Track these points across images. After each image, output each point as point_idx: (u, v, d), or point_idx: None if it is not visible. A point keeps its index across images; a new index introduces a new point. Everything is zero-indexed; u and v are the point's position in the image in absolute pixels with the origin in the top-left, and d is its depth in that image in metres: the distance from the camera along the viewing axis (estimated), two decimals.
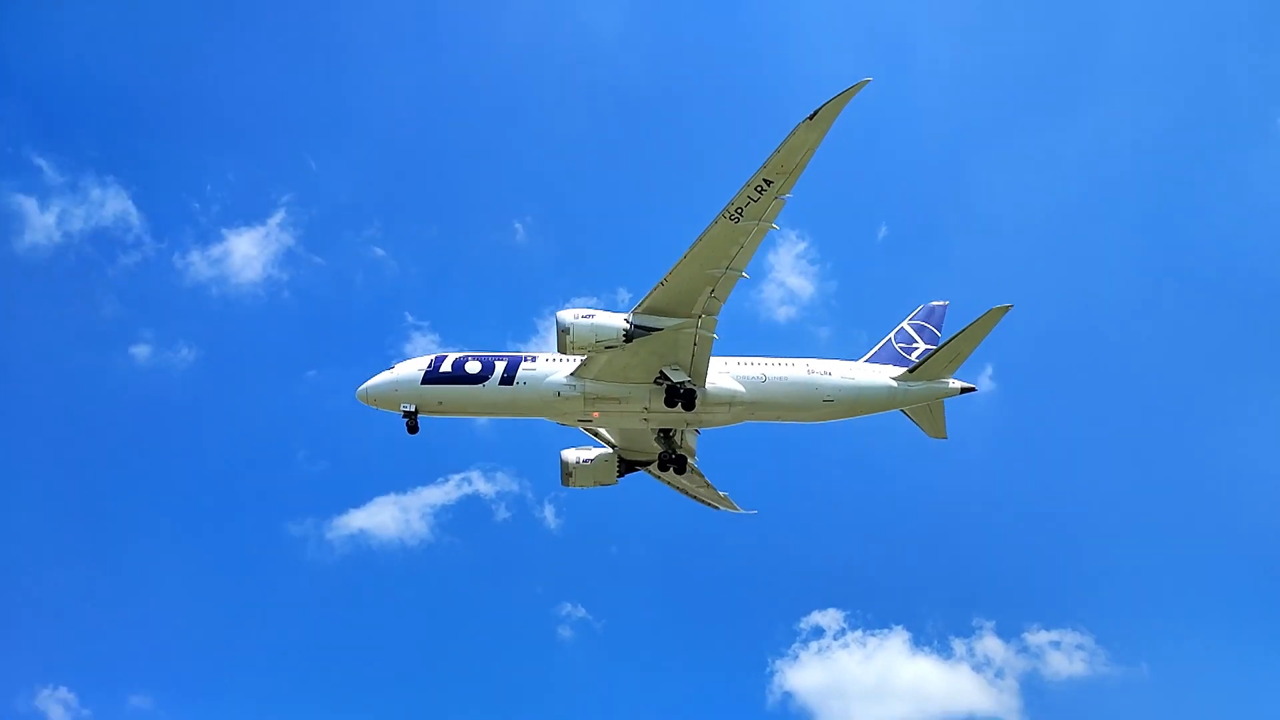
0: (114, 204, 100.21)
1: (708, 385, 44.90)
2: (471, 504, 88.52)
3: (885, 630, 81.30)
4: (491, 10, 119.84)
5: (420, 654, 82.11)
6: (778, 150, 35.81)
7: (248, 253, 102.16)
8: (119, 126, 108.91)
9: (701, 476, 52.34)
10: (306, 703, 78.24)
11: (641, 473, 51.33)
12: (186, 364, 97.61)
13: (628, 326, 41.51)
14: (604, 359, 42.74)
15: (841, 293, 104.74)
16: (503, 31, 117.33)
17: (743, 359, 47.31)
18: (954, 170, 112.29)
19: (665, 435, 49.23)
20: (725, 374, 45.90)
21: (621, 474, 50.75)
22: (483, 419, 51.42)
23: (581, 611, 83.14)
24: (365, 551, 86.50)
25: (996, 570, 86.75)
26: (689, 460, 50.73)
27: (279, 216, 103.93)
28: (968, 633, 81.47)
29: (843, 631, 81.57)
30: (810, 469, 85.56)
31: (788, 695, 78.68)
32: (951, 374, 46.64)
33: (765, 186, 36.98)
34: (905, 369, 47.19)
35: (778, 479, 78.61)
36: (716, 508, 53.50)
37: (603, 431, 50.32)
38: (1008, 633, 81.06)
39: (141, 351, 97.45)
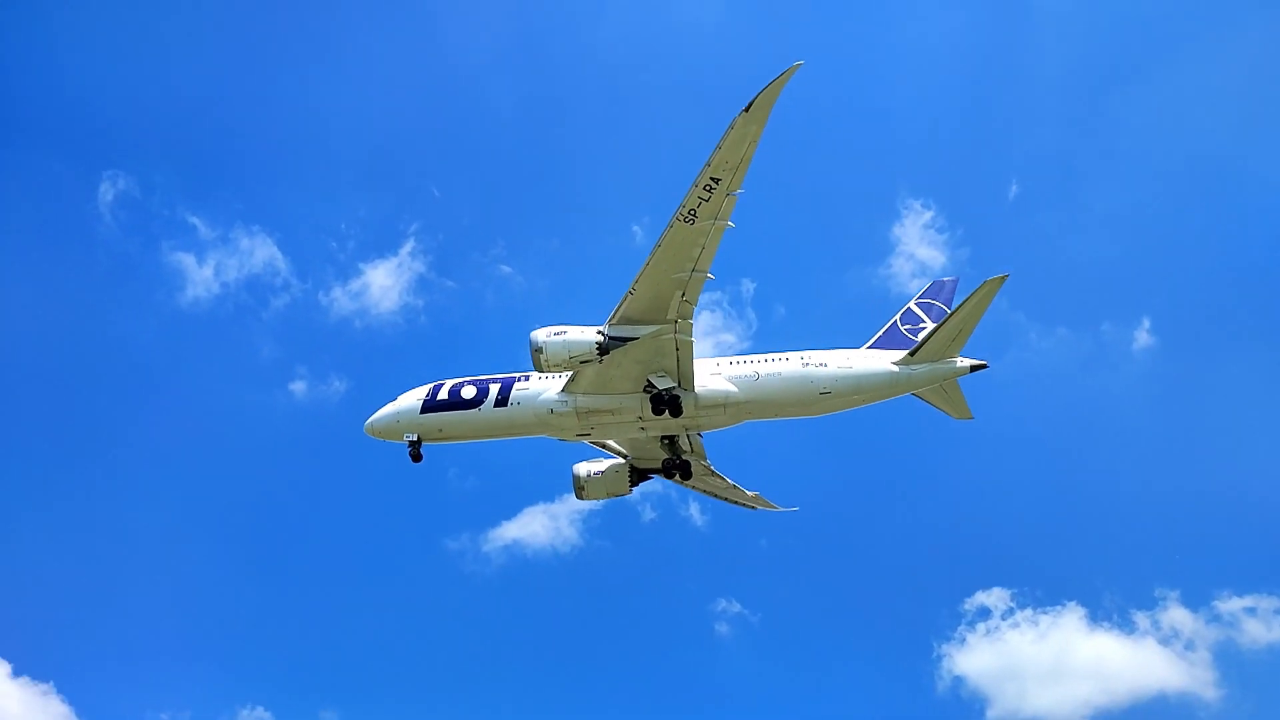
0: (262, 251, 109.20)
1: (699, 389, 43.67)
2: (618, 507, 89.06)
3: (1057, 607, 77.77)
4: (589, 14, 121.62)
5: (582, 656, 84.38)
6: (719, 146, 34.80)
7: (384, 283, 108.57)
8: (258, 178, 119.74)
9: (721, 478, 50.83)
10: (478, 710, 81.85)
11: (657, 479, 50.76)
12: (339, 395, 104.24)
13: (601, 339, 40.93)
14: (590, 372, 42.39)
15: (975, 259, 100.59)
16: (600, 37, 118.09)
17: (736, 358, 45.87)
18: (1086, 116, 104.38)
19: (669, 442, 48.28)
20: (718, 375, 44.62)
21: (634, 483, 50.07)
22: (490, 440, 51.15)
23: (737, 607, 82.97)
24: (520, 561, 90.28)
25: (1174, 536, 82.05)
26: (700, 463, 49.61)
27: (409, 246, 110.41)
28: (1150, 604, 77.66)
29: (1011, 611, 78.15)
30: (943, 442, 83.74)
31: (958, 680, 75.82)
32: (958, 352, 43.33)
33: (714, 185, 35.99)
34: (906, 352, 44.71)
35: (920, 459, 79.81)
36: (752, 507, 52.18)
37: (612, 443, 49.99)
38: (1195, 602, 77.03)
39: (299, 387, 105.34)
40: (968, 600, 79.30)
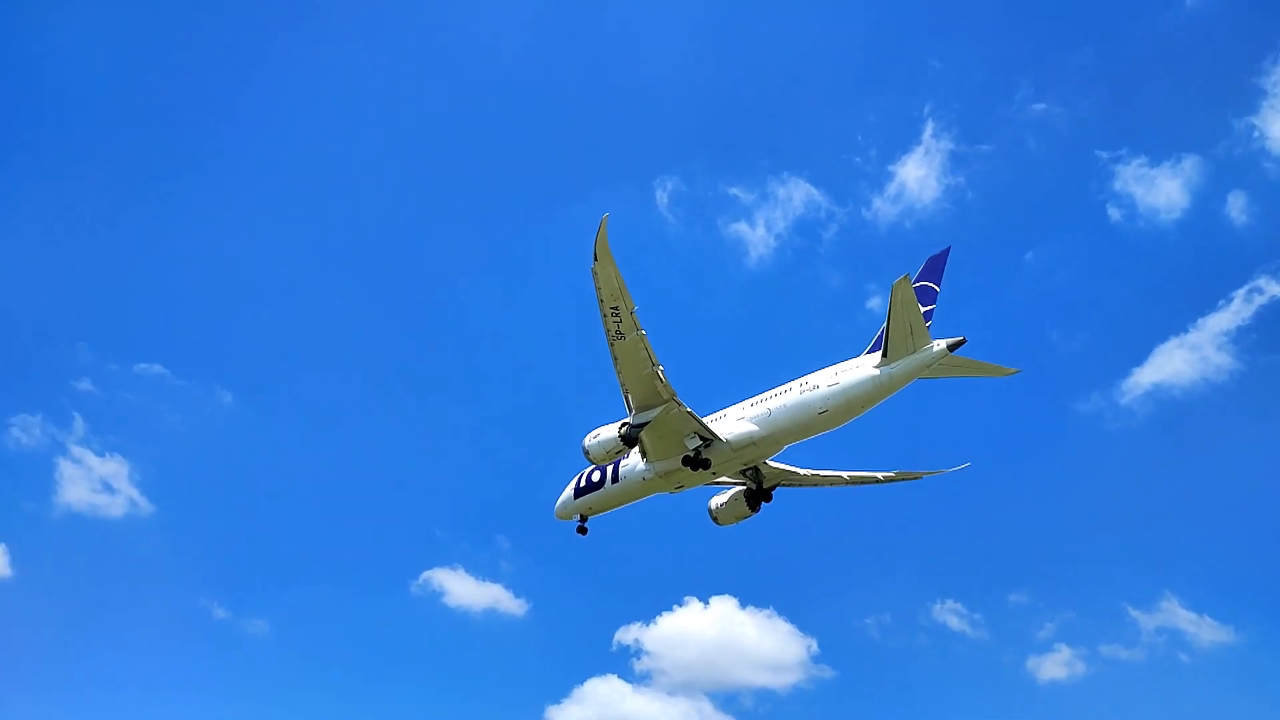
0: (798, 193, 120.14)
1: (729, 435, 48.20)
2: None
3: None
4: None
5: None
6: (597, 291, 41.77)
7: (917, 175, 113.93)
8: (766, 132, 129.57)
9: (838, 475, 55.22)
10: None
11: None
12: None
13: (624, 431, 46.31)
14: (647, 447, 48.89)
15: None
16: None
17: (757, 398, 49.30)
18: None
19: (753, 472, 53.35)
20: (742, 419, 48.20)
21: (753, 506, 54.67)
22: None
23: None
24: None
25: None
26: (796, 476, 54.96)
27: (929, 128, 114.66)
28: None
29: None
30: None
31: None
32: (928, 339, 44.43)
33: (615, 311, 42.23)
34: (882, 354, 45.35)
35: None
36: (911, 478, 55.19)
37: (723, 477, 54.30)
38: None
39: (875, 304, 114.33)
40: None
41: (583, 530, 55.26)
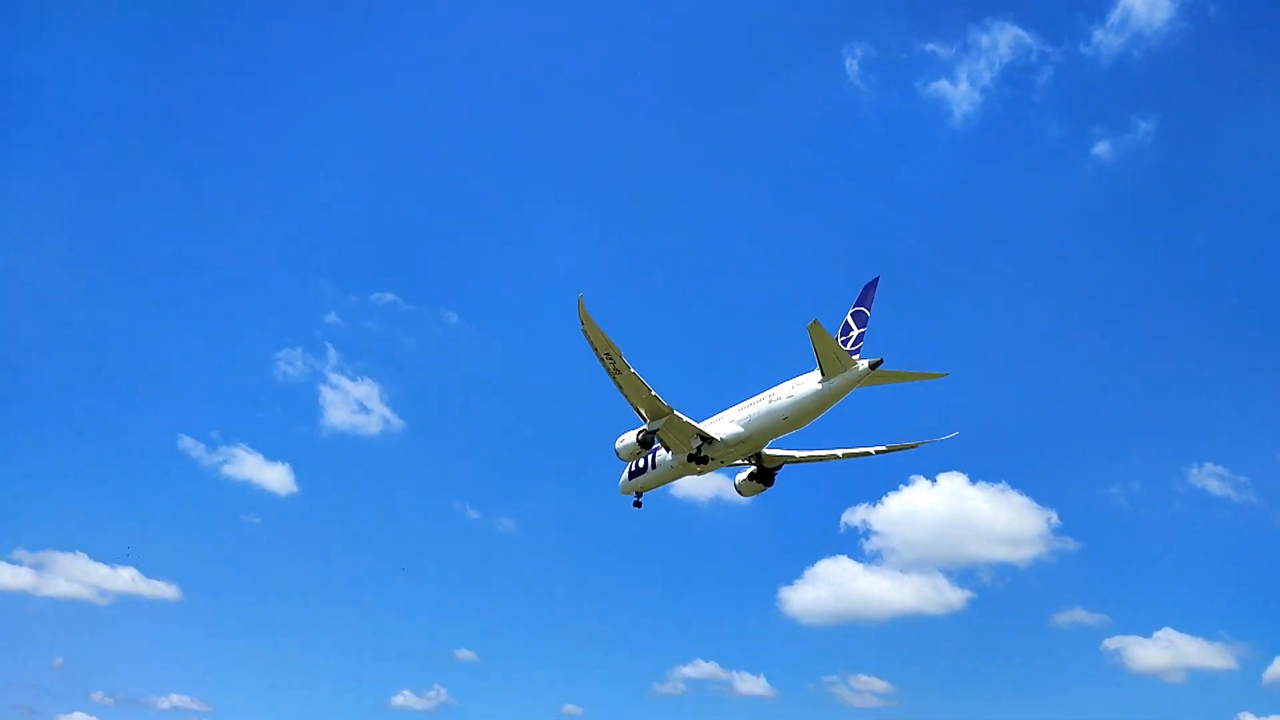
0: (1003, 38, 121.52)
1: (723, 435, 60.97)
2: None
3: None
4: None
5: None
6: (591, 346, 53.40)
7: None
8: None
9: (833, 453, 67.18)
10: None
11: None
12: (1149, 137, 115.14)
13: (642, 436, 59.85)
14: (669, 443, 61.96)
15: None
16: None
17: (746, 403, 61.76)
18: None
19: (756, 458, 65.86)
20: (733, 422, 61.23)
21: (766, 481, 67.12)
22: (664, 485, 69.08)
23: None
24: None
25: None
26: (795, 457, 67.02)
27: None
28: None
29: None
30: None
31: None
32: (853, 362, 55.37)
33: (609, 355, 54.20)
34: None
35: None
36: (906, 448, 67.87)
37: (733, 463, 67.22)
38: None
39: (1102, 148, 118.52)
40: None
41: (638, 504, 67.37)
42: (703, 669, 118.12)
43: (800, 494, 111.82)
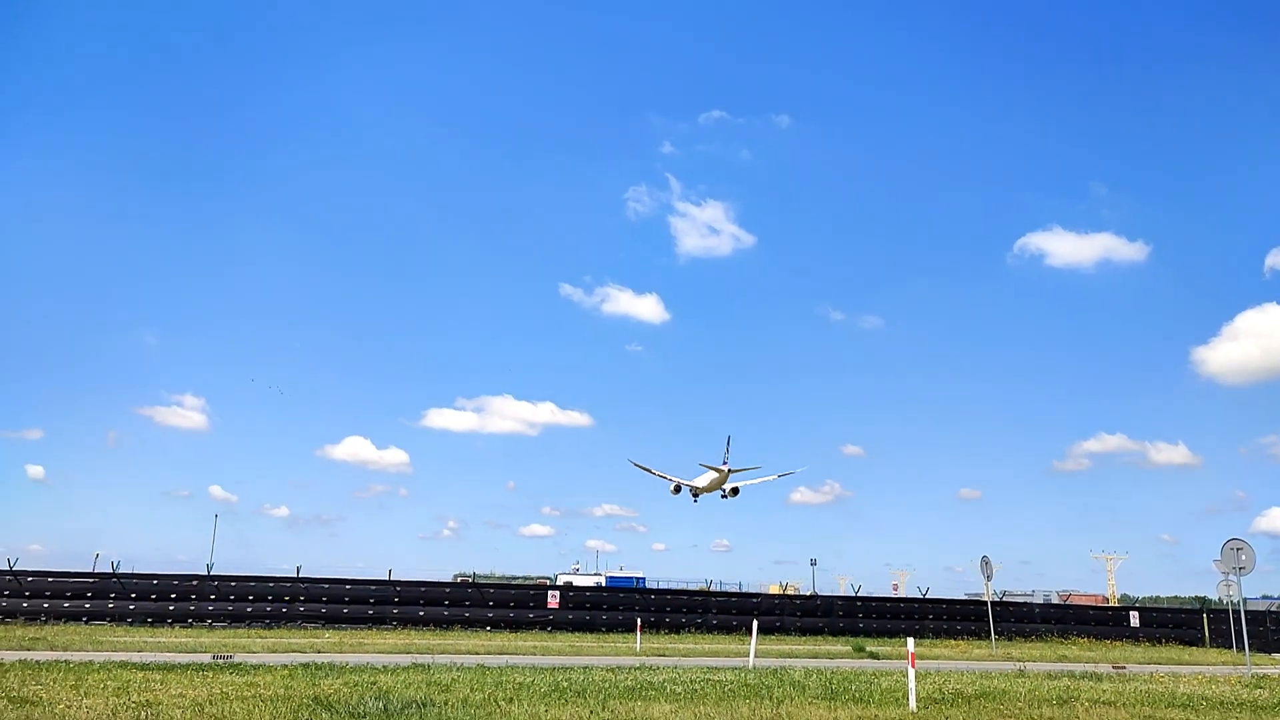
0: None
1: (702, 483, 64.78)
2: None
3: None
4: None
5: None
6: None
7: None
8: None
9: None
10: None
11: None
12: None
13: (673, 485, 64.09)
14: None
15: None
16: None
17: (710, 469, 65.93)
18: None
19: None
20: (705, 475, 65.41)
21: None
22: None
23: None
24: None
25: None
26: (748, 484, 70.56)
27: None
28: None
29: None
30: None
31: None
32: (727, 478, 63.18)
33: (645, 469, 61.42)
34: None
35: None
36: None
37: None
38: None
39: None
40: None
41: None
42: (1107, 442, 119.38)
43: (1210, 239, 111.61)
